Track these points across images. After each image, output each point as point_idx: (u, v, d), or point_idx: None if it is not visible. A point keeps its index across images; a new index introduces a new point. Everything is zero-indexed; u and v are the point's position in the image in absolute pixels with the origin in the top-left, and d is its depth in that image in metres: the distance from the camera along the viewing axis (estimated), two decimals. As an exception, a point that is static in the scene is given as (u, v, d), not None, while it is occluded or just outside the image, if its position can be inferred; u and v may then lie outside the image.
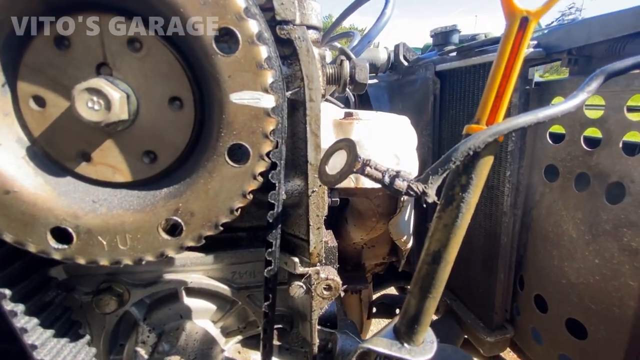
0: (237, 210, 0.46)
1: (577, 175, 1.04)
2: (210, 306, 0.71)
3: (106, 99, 0.41)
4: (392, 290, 1.92)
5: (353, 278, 1.31)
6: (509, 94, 0.46)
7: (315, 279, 0.64)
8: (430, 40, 2.08)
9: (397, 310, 1.68)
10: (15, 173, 0.42)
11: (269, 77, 0.43)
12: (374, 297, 1.71)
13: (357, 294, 1.33)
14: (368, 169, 0.42)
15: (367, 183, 0.88)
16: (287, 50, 0.53)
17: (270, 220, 0.51)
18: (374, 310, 1.65)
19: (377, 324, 1.99)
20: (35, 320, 0.51)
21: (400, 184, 0.41)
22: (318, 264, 0.63)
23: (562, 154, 1.17)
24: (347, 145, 0.47)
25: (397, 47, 2.34)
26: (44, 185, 0.44)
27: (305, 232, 0.61)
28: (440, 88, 1.96)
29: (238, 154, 0.45)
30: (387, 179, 0.41)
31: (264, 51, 0.42)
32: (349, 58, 0.57)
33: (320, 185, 0.59)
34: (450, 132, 1.91)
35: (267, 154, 0.45)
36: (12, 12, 0.39)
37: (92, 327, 0.66)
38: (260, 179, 0.47)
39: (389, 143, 0.99)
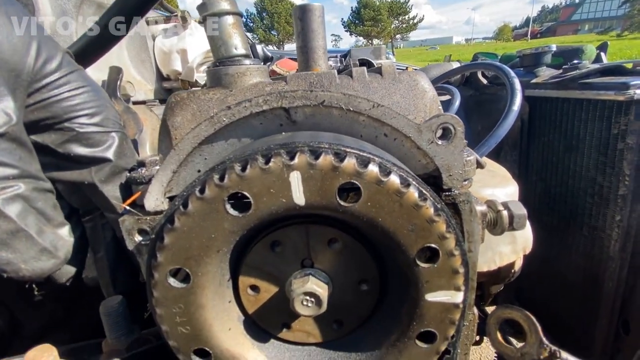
0: (420, 377, 0.52)
1: None
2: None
3: (318, 299, 0.48)
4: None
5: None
6: None
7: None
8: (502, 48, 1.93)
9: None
10: (242, 350, 0.52)
11: (462, 278, 0.46)
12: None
13: None
14: (559, 362, 0.44)
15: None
16: (450, 209, 0.56)
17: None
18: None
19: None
20: None
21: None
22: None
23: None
24: (526, 320, 0.50)
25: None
26: (260, 355, 0.53)
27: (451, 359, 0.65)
28: (529, 112, 1.84)
29: (426, 335, 0.50)
30: (581, 376, 0.43)
31: (459, 259, 0.45)
32: (507, 208, 0.58)
33: (471, 320, 0.63)
34: (541, 159, 1.80)
35: (452, 336, 0.49)
36: (239, 234, 0.46)
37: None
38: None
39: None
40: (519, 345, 0.52)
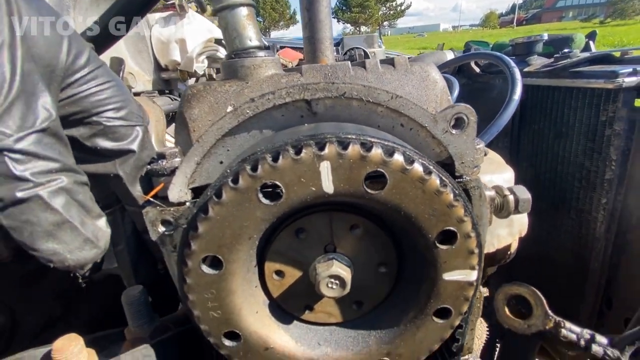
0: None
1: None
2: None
3: (343, 281, 0.51)
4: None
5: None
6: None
7: (464, 364, 0.74)
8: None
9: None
10: (268, 332, 0.55)
11: (477, 258, 0.50)
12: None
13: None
14: (563, 330, 0.49)
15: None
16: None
17: None
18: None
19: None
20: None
21: (597, 349, 0.47)
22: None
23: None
24: (532, 295, 0.54)
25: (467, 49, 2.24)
26: (285, 336, 0.56)
27: (462, 333, 0.70)
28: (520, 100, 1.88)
29: (442, 312, 0.53)
30: (582, 343, 0.48)
31: (474, 240, 0.49)
32: (513, 193, 0.62)
33: (477, 297, 0.67)
34: (532, 146, 1.86)
35: (465, 312, 0.53)
36: (270, 222, 0.48)
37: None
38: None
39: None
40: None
